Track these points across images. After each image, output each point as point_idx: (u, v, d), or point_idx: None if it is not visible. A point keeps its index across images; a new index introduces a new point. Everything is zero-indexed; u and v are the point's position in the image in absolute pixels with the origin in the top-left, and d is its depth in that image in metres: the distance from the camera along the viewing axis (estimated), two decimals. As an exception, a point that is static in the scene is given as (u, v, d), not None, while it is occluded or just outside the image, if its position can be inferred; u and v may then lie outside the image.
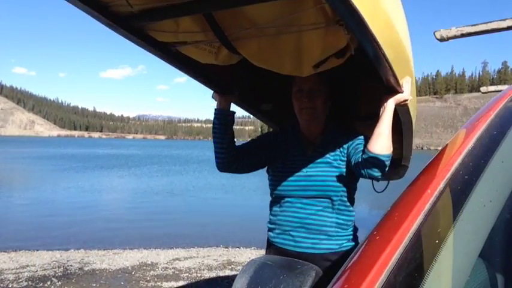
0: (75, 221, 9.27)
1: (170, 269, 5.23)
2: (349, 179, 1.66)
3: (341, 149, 1.67)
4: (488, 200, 0.61)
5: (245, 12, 1.32)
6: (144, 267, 5.26)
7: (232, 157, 1.76)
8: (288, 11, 1.25)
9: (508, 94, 0.99)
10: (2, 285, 4.43)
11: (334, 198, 1.64)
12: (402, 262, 0.55)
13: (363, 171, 1.53)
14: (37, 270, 5.01)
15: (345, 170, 1.65)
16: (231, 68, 1.67)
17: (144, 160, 36.38)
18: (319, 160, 1.67)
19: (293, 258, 1.57)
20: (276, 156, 1.77)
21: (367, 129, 1.53)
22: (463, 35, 2.20)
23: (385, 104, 1.45)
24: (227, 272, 5.16)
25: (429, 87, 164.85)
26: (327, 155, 1.67)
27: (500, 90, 2.23)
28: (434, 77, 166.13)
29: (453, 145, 0.81)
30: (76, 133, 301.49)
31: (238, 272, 0.75)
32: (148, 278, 4.80)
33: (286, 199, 1.71)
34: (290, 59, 1.46)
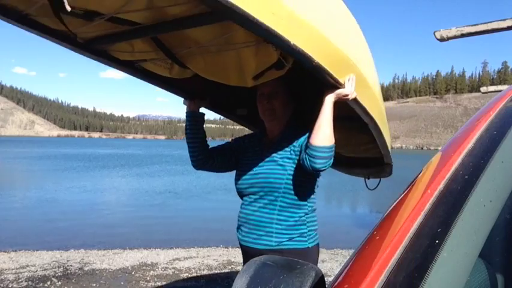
0: (75, 221, 9.27)
1: (170, 269, 5.23)
2: (297, 176, 1.69)
3: (293, 147, 1.72)
4: (488, 200, 0.61)
5: (186, 34, 1.49)
6: (144, 267, 5.26)
7: (205, 156, 1.90)
8: (222, 33, 1.43)
9: (508, 94, 0.98)
10: (2, 285, 4.43)
11: (276, 194, 1.68)
12: (402, 262, 0.55)
13: (306, 164, 1.56)
14: (37, 270, 5.01)
15: (291, 167, 1.70)
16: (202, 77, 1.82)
17: (145, 160, 36.39)
18: (267, 159, 1.76)
19: (243, 252, 1.78)
20: (241, 157, 1.91)
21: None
22: (463, 35, 2.20)
23: (325, 98, 1.52)
24: (227, 272, 5.16)
25: (429, 87, 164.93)
26: (275, 154, 1.75)
27: (500, 90, 2.24)
28: (434, 77, 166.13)
29: (453, 145, 0.81)
30: (76, 133, 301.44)
31: (238, 272, 0.75)
32: (148, 278, 4.80)
33: (243, 197, 1.84)
34: (234, 72, 1.63)
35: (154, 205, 11.96)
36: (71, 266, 5.25)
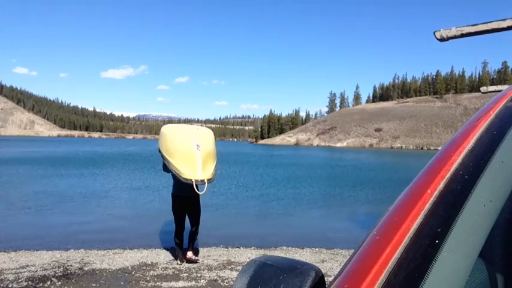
0: (75, 220, 9.27)
1: (170, 269, 5.23)
2: None
3: None
4: (488, 200, 0.61)
5: None
6: (144, 267, 5.26)
7: None
8: None
9: (508, 94, 0.98)
10: (2, 285, 4.43)
11: None
12: (402, 262, 0.55)
13: None
14: (37, 270, 5.01)
15: None
16: None
17: (146, 159, 36.36)
18: None
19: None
20: None
21: None
22: (463, 35, 2.20)
23: None
24: (227, 272, 5.16)
25: (429, 87, 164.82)
26: None
27: (500, 90, 2.23)
28: (434, 77, 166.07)
29: (453, 145, 0.81)
30: (76, 133, 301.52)
31: (238, 272, 0.75)
32: (148, 278, 4.80)
33: None
34: None
35: (155, 204, 11.96)
36: (71, 266, 5.25)
